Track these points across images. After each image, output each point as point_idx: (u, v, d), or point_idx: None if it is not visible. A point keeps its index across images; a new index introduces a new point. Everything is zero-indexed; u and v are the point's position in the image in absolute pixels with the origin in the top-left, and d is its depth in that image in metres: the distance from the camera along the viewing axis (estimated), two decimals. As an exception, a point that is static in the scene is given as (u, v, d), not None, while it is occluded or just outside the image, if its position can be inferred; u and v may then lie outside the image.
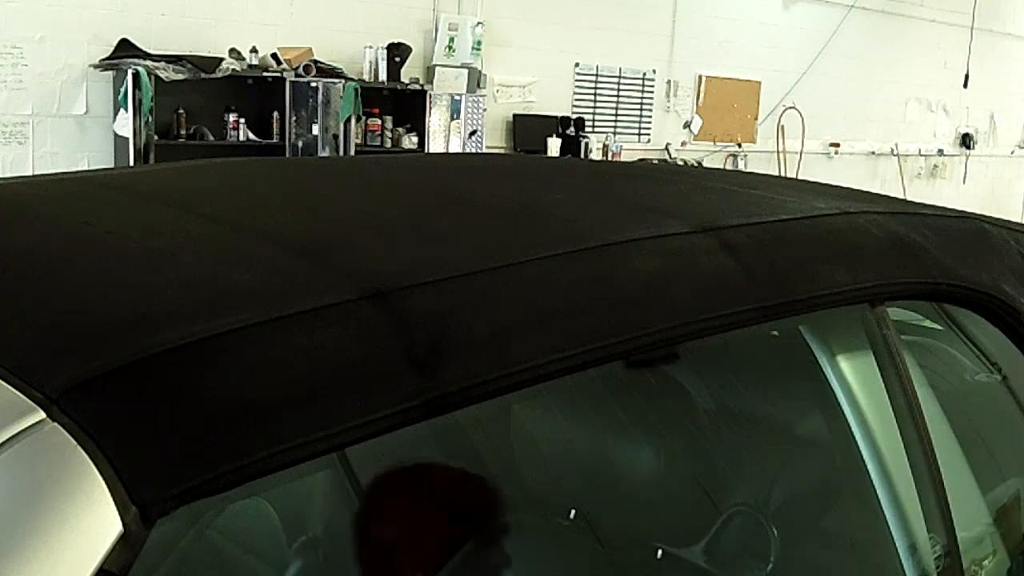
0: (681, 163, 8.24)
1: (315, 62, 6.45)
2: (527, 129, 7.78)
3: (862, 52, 9.88)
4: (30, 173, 4.97)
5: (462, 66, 7.18)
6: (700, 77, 8.91)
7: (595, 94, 8.30)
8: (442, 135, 7.10)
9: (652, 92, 8.65)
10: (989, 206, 9.30)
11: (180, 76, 5.81)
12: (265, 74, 6.30)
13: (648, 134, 8.70)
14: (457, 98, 7.12)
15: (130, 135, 5.71)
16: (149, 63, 5.76)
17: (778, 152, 9.44)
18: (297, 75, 6.37)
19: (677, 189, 1.65)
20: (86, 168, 5.70)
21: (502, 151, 7.64)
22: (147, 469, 0.72)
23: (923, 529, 1.34)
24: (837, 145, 9.95)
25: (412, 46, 6.97)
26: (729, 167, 8.93)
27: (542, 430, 1.61)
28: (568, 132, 7.91)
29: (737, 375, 1.59)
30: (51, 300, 0.91)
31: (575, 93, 8.18)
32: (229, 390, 0.80)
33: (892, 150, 10.52)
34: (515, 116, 7.79)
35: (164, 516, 0.71)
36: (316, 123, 6.44)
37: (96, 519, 0.68)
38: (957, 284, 1.46)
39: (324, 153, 6.40)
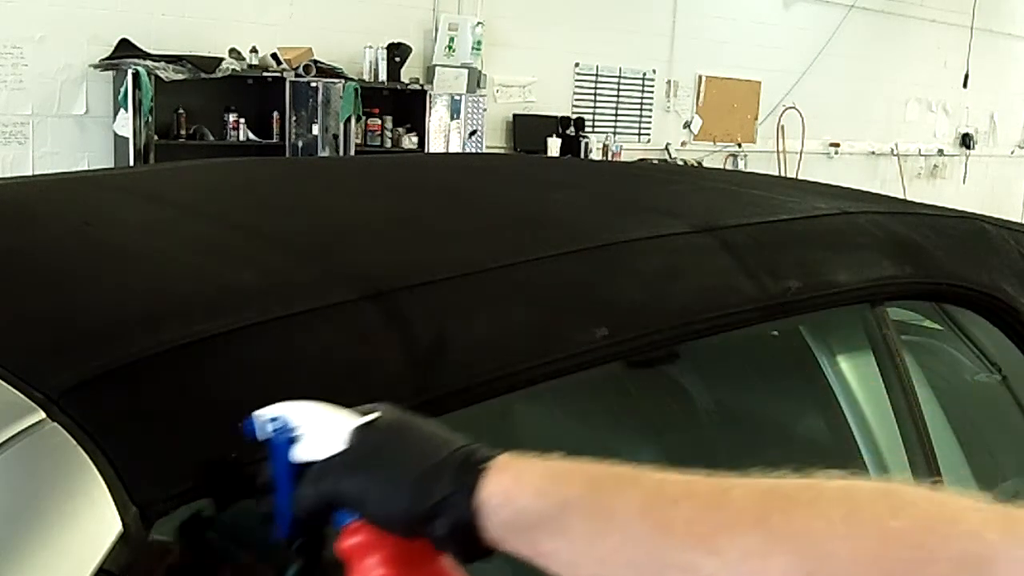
0: (681, 163, 8.24)
1: (315, 62, 6.45)
2: (527, 129, 7.78)
3: (862, 52, 9.87)
4: (30, 173, 4.97)
5: (462, 66, 7.18)
6: (700, 77, 8.90)
7: (595, 94, 8.30)
8: (442, 135, 7.10)
9: (652, 92, 8.64)
10: (989, 206, 9.29)
11: (180, 76, 5.80)
12: (265, 74, 6.30)
13: (648, 134, 8.70)
14: (457, 98, 7.12)
15: (130, 135, 5.71)
16: (149, 63, 5.75)
17: (778, 152, 9.44)
18: (297, 75, 6.36)
19: (677, 189, 1.65)
20: (86, 168, 5.70)
21: (502, 151, 7.63)
22: (147, 469, 0.72)
23: (923, 529, 1.34)
24: (837, 145, 9.94)
25: (412, 46, 6.97)
26: (729, 167, 8.92)
27: (542, 430, 1.61)
28: (568, 132, 7.91)
29: (737, 375, 1.59)
30: (51, 300, 0.91)
31: (575, 93, 8.18)
32: (229, 390, 0.80)
33: (892, 150, 10.51)
34: (515, 116, 7.79)
35: (164, 516, 0.71)
36: (316, 123, 6.44)
37: (96, 519, 0.68)
38: (957, 284, 1.46)
39: (324, 153, 6.39)
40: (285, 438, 0.70)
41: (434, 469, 0.64)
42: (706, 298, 1.14)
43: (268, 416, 0.71)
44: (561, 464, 0.64)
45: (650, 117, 8.68)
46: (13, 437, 0.70)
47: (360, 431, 0.68)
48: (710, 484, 0.58)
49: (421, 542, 0.65)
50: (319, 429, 0.69)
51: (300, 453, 0.69)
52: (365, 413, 0.70)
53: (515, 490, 0.62)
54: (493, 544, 0.63)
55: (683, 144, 8.86)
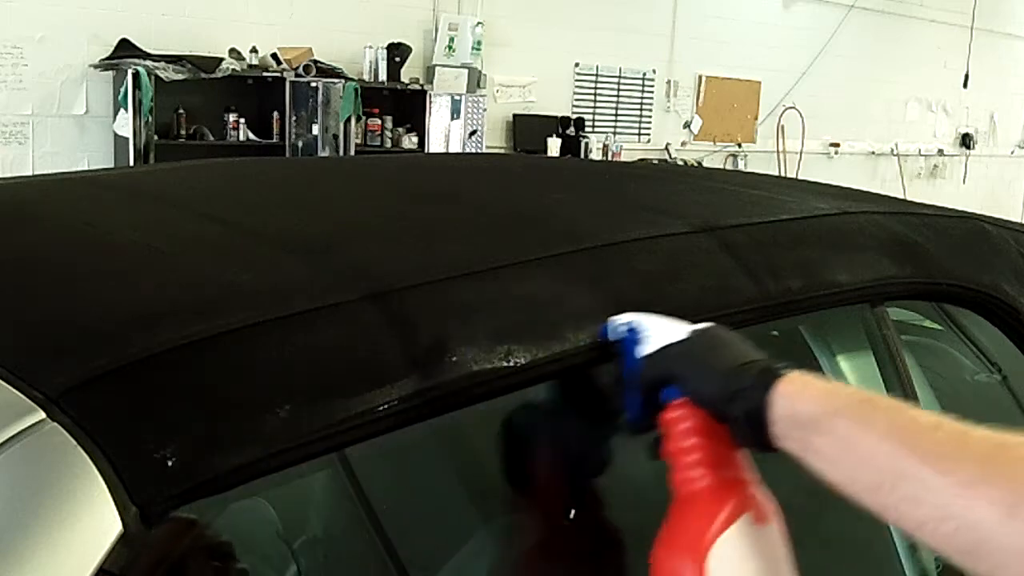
0: (681, 163, 8.24)
1: (315, 62, 6.45)
2: (527, 129, 7.78)
3: (862, 52, 9.87)
4: (30, 173, 4.97)
5: (462, 66, 7.18)
6: (700, 77, 8.91)
7: (595, 94, 8.30)
8: (442, 135, 7.10)
9: (652, 92, 8.65)
10: (989, 206, 9.29)
11: (180, 76, 5.81)
12: (265, 74, 6.30)
13: (648, 134, 8.70)
14: (457, 98, 7.12)
15: (130, 135, 5.71)
16: (149, 63, 5.75)
17: (778, 152, 9.44)
18: (297, 75, 6.36)
19: (677, 189, 1.65)
20: (86, 168, 5.70)
21: (502, 151, 7.64)
22: (147, 469, 0.72)
23: (923, 529, 1.34)
24: (837, 145, 9.94)
25: (412, 46, 6.97)
26: (729, 167, 8.93)
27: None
28: (568, 132, 7.91)
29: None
30: (51, 300, 0.91)
31: (575, 93, 8.18)
32: (229, 390, 0.80)
33: (892, 150, 10.52)
34: (515, 116, 7.79)
35: (164, 516, 0.71)
36: (316, 123, 6.44)
37: (96, 519, 0.68)
38: (957, 284, 1.46)
39: (324, 153, 6.40)
40: (633, 339, 0.90)
41: (742, 367, 0.84)
42: (706, 298, 1.14)
43: (621, 322, 0.93)
44: (839, 384, 0.85)
45: (650, 117, 8.68)
46: (13, 437, 0.70)
47: (696, 331, 0.89)
48: (955, 424, 0.73)
49: (725, 427, 0.84)
50: (661, 333, 0.89)
51: (644, 351, 0.89)
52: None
53: (798, 395, 0.80)
54: (775, 439, 0.80)
55: (683, 144, 8.87)
